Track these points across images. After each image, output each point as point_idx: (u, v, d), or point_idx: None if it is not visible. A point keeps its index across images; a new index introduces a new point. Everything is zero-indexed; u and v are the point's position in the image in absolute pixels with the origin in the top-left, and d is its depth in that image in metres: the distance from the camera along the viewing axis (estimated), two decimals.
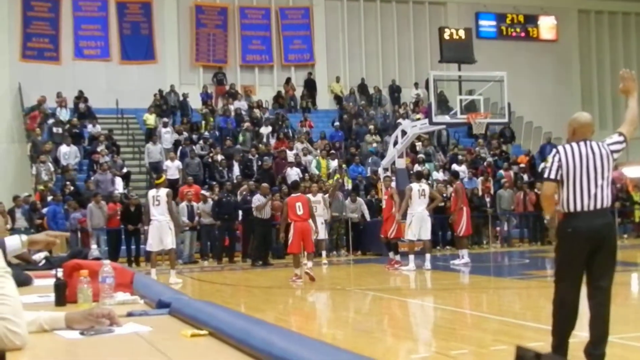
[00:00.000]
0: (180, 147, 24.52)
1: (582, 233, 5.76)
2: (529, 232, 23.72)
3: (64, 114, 25.80)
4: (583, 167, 5.80)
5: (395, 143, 21.06)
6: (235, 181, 22.52)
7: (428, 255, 16.30)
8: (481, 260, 18.22)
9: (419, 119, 24.24)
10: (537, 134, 30.54)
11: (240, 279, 16.47)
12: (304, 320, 10.58)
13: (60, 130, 24.39)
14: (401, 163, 21.04)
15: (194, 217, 20.54)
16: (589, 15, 35.66)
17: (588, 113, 6.30)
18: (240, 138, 26.02)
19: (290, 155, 24.87)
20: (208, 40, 29.96)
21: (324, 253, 19.46)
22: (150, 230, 14.82)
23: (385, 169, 21.32)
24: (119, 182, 22.44)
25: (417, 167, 23.40)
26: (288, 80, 30.35)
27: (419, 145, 26.29)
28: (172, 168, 22.66)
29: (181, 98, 27.95)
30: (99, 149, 23.86)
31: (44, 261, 5.74)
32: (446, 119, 20.35)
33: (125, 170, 23.68)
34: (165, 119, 25.79)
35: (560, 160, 5.87)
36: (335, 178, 23.42)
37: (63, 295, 3.69)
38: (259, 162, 24.31)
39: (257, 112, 27.86)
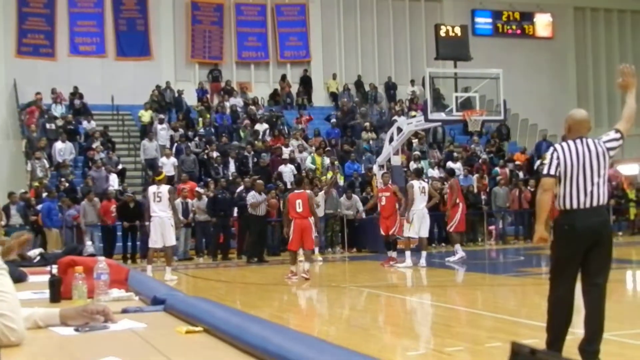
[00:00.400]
0: (176, 144, 24.49)
1: (578, 230, 5.77)
2: (524, 230, 23.74)
3: (59, 110, 25.76)
4: (580, 165, 5.80)
5: (391, 140, 21.06)
6: (230, 178, 22.50)
7: (424, 253, 16.30)
8: (476, 258, 18.22)
9: (414, 116, 24.25)
10: (533, 131, 30.57)
11: (236, 276, 16.46)
12: (299, 317, 10.58)
13: (53, 126, 24.35)
14: (396, 160, 21.04)
15: (188, 214, 20.53)
16: (585, 12, 35.70)
17: (584, 110, 6.28)
18: (242, 134, 26.04)
19: (286, 152, 24.86)
20: (204, 37, 29.93)
21: (316, 250, 19.47)
22: (152, 227, 14.79)
23: (381, 166, 21.33)
24: (113, 179, 22.40)
25: (412, 165, 23.41)
26: (284, 77, 30.33)
27: (415, 142, 26.30)
28: (168, 165, 22.61)
29: (176, 95, 27.92)
30: (94, 146, 23.82)
31: (38, 257, 5.73)
32: (442, 116, 20.36)
33: (120, 166, 23.64)
34: (161, 116, 25.75)
35: (558, 157, 5.87)
36: (329, 175, 23.41)
37: (58, 291, 3.69)
38: (255, 159, 24.29)
39: (252, 108, 27.84)
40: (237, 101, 28.55)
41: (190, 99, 28.25)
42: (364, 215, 21.52)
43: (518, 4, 33.87)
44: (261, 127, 26.59)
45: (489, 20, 33.72)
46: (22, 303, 2.81)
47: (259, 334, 2.47)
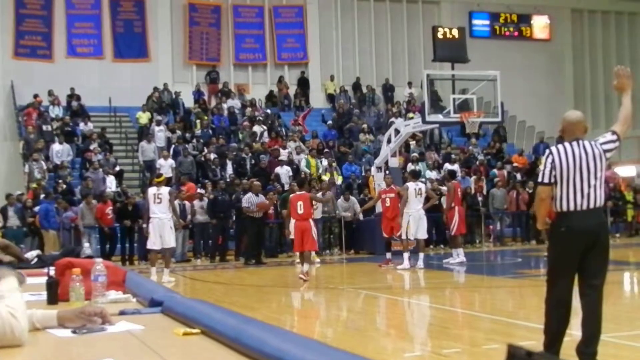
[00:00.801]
0: (173, 146, 24.48)
1: (575, 232, 5.77)
2: (521, 231, 23.76)
3: (56, 112, 25.74)
4: (576, 167, 5.81)
5: (389, 142, 21.07)
6: (228, 180, 22.49)
7: (422, 255, 16.31)
8: (474, 259, 18.23)
9: (412, 118, 24.26)
10: (530, 133, 30.61)
11: (233, 278, 16.46)
12: (296, 319, 10.58)
13: (50, 128, 24.33)
14: (394, 162, 21.05)
15: (186, 216, 20.52)
16: (582, 14, 35.76)
17: (579, 111, 6.28)
18: (240, 136, 26.02)
19: (284, 154, 24.86)
20: (201, 39, 29.93)
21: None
22: (151, 228, 14.78)
23: (378, 168, 21.34)
24: (110, 181, 22.38)
25: (410, 166, 23.41)
26: (281, 79, 30.34)
27: (413, 144, 26.31)
28: (166, 166, 22.59)
29: (174, 96, 27.92)
30: (91, 147, 23.81)
31: (36, 259, 5.72)
32: (439, 118, 20.36)
33: (117, 168, 23.63)
34: (159, 117, 25.75)
35: (553, 161, 5.88)
36: (328, 176, 23.40)
37: (55, 293, 3.68)
38: (252, 161, 24.29)
39: (249, 110, 27.83)
40: (235, 103, 28.55)
41: (188, 100, 28.26)
42: (361, 217, 21.50)
43: (515, 6, 33.92)
44: (259, 128, 26.60)
45: (487, 22, 33.76)
46: None
47: (257, 336, 2.47)
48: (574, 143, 5.90)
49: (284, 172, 23.45)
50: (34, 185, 21.36)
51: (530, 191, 22.35)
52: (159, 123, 25.29)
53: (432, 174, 24.41)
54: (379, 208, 19.03)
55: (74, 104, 26.40)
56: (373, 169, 22.04)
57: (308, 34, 31.18)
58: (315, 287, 13.67)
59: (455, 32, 27.99)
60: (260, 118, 27.29)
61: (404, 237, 16.43)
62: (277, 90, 30.26)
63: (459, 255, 17.26)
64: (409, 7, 32.75)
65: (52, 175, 22.62)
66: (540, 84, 33.54)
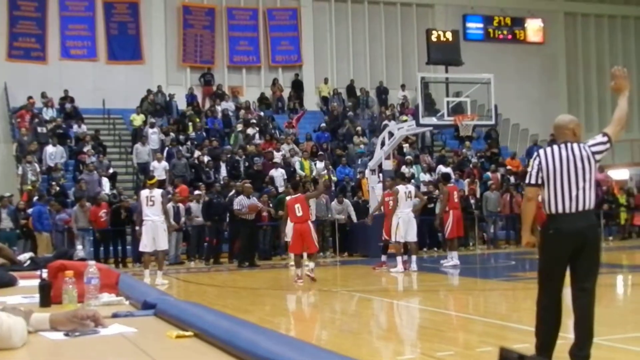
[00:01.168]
0: (167, 148, 24.44)
1: (564, 234, 5.78)
2: (515, 234, 23.77)
3: (49, 114, 25.69)
4: (563, 169, 5.82)
5: (383, 145, 21.08)
6: (222, 182, 22.47)
7: (414, 257, 16.29)
8: (467, 262, 18.24)
9: (405, 121, 24.27)
10: (524, 136, 30.67)
11: (227, 280, 16.44)
12: (290, 322, 10.58)
13: (44, 130, 24.27)
14: (388, 165, 21.06)
15: (180, 218, 20.49)
16: (576, 18, 35.85)
17: (570, 115, 6.28)
18: (232, 139, 25.96)
19: (277, 157, 24.86)
20: (195, 41, 29.90)
21: (291, 255, 19.47)
22: (144, 231, 14.76)
23: (372, 171, 21.36)
24: (104, 183, 22.34)
25: (404, 169, 23.43)
26: (275, 82, 30.34)
27: (406, 147, 26.32)
28: (159, 169, 22.55)
29: (168, 99, 27.88)
30: (85, 150, 23.77)
31: (29, 262, 5.71)
32: (433, 121, 20.39)
33: (111, 170, 23.58)
34: (152, 120, 25.71)
35: (540, 163, 5.90)
36: (323, 179, 23.37)
37: (48, 296, 3.67)
38: (246, 163, 24.28)
39: (243, 112, 27.83)
40: (229, 105, 28.54)
41: (182, 103, 28.23)
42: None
43: (509, 9, 34.00)
44: (252, 131, 26.58)
45: (480, 25, 33.82)
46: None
47: (250, 339, 2.47)
48: (562, 145, 5.92)
49: (278, 174, 23.44)
50: (29, 187, 21.30)
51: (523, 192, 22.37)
52: (152, 125, 25.26)
53: (426, 177, 24.43)
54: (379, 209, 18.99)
55: (68, 106, 26.34)
56: (367, 171, 22.06)
57: (302, 36, 31.19)
58: (309, 289, 13.67)
59: (449, 35, 27.93)
60: (254, 121, 27.27)
61: (393, 239, 16.43)
62: (270, 92, 30.26)
63: (452, 259, 17.26)
64: (403, 10, 32.79)
65: (45, 178, 22.57)
66: (533, 87, 33.63)
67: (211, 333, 2.68)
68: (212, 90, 29.23)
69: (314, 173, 24.08)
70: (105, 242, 20.11)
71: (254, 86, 30.48)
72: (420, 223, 20.69)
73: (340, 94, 30.77)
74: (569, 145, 5.90)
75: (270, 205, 20.90)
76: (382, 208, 17.84)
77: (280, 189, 22.23)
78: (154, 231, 14.66)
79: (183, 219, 20.64)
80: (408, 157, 25.33)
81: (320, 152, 25.64)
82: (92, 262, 3.83)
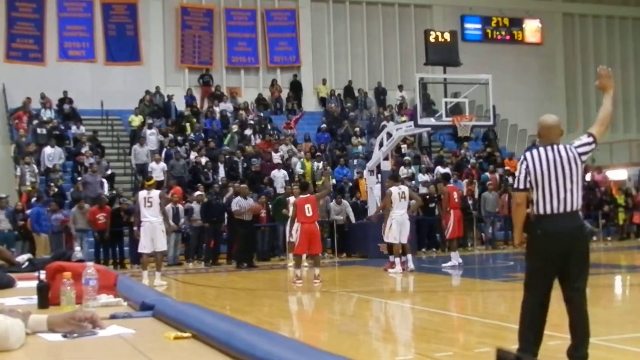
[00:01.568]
0: (165, 149, 24.43)
1: (552, 235, 5.80)
2: (513, 234, 23.75)
3: (47, 115, 25.68)
4: (551, 172, 5.83)
5: (381, 145, 21.09)
6: (220, 183, 22.47)
7: (409, 256, 16.25)
8: (466, 263, 18.23)
9: (404, 121, 24.28)
10: (522, 136, 30.66)
11: (225, 281, 16.43)
12: (288, 323, 10.58)
13: (43, 131, 24.26)
14: (386, 165, 21.07)
15: (179, 219, 20.49)
16: (574, 18, 35.88)
17: (555, 115, 6.28)
18: (227, 140, 25.93)
19: (276, 157, 24.85)
20: (193, 42, 29.90)
21: (291, 255, 19.50)
22: (142, 232, 14.75)
23: (370, 171, 21.36)
24: (104, 184, 22.29)
25: (402, 170, 23.44)
26: (274, 82, 30.35)
27: (404, 147, 26.33)
28: (157, 170, 22.54)
29: (166, 100, 27.87)
30: (83, 151, 23.75)
31: (27, 263, 5.71)
32: (431, 121, 20.40)
33: (109, 171, 23.57)
34: (150, 120, 25.71)
35: (527, 167, 5.92)
36: (322, 180, 23.36)
37: (46, 297, 3.67)
38: (245, 164, 24.27)
39: (242, 113, 27.82)
40: (227, 106, 28.53)
41: (180, 104, 28.21)
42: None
43: (507, 10, 34.01)
44: (248, 131, 26.56)
45: (479, 25, 33.84)
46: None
47: (248, 340, 2.47)
48: (548, 147, 5.94)
49: (280, 175, 23.44)
50: (28, 188, 21.28)
51: None
52: (150, 126, 25.25)
53: (425, 177, 24.44)
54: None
55: (66, 107, 26.34)
56: (365, 172, 22.06)
57: (300, 37, 31.19)
58: (307, 290, 13.67)
59: (447, 36, 27.96)
60: (252, 122, 27.27)
61: (385, 240, 16.41)
62: (268, 93, 30.26)
63: (451, 259, 17.27)
64: (401, 11, 32.80)
65: (44, 179, 22.55)
66: (532, 88, 33.63)
67: (209, 334, 2.68)
68: (210, 91, 29.23)
69: (316, 173, 24.07)
70: (104, 244, 20.08)
71: (252, 87, 30.48)
72: (418, 224, 20.79)
73: (339, 95, 30.77)
74: (555, 147, 5.92)
75: (270, 205, 20.94)
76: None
77: (281, 190, 22.24)
78: (153, 232, 14.64)
79: (182, 220, 20.64)
80: (407, 157, 25.34)
81: (318, 153, 25.63)
82: (90, 264, 3.83)
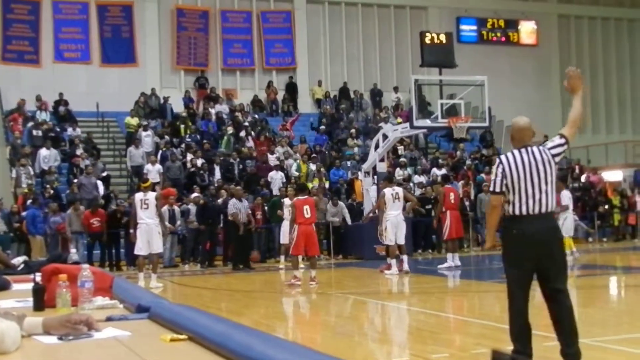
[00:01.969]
0: (161, 151, 24.41)
1: (527, 235, 5.84)
2: None
3: (43, 117, 25.64)
4: (527, 174, 5.88)
5: (377, 147, 21.09)
6: (216, 185, 22.46)
7: (405, 257, 16.25)
8: (462, 264, 18.24)
9: (400, 123, 24.30)
10: None
11: (221, 283, 16.42)
12: (284, 324, 10.57)
13: (39, 133, 24.23)
14: (382, 167, 21.08)
15: (175, 221, 20.48)
16: (569, 20, 35.94)
17: (527, 117, 6.31)
18: (224, 143, 25.87)
19: (272, 159, 24.84)
20: (189, 44, 29.90)
21: (282, 258, 19.52)
22: (139, 234, 14.73)
23: (366, 173, 21.36)
24: (99, 186, 22.26)
25: (398, 171, 23.45)
26: (269, 84, 30.36)
27: (401, 149, 26.34)
28: (153, 172, 22.50)
29: (162, 101, 27.85)
30: (78, 153, 23.72)
31: (22, 265, 5.70)
32: (427, 123, 20.42)
33: (105, 173, 23.53)
34: (145, 122, 25.68)
35: (503, 170, 5.96)
36: (315, 182, 23.37)
37: (42, 299, 3.67)
38: (240, 166, 24.26)
39: (238, 115, 27.82)
40: (223, 108, 28.52)
41: (176, 105, 28.19)
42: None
43: (503, 12, 34.07)
44: (243, 133, 26.55)
45: (474, 27, 33.89)
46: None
47: (243, 342, 2.47)
48: (523, 150, 5.98)
49: (278, 177, 23.43)
50: (24, 190, 21.25)
51: None
52: (146, 128, 25.23)
53: (422, 179, 24.44)
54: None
55: (62, 109, 26.31)
56: (361, 173, 22.06)
57: (296, 39, 31.21)
58: (303, 292, 13.67)
59: (442, 38, 28.07)
60: (247, 123, 27.26)
61: (383, 243, 16.42)
62: (264, 95, 30.27)
63: (447, 260, 17.27)
64: (397, 13, 32.82)
65: (39, 181, 22.52)
66: (527, 89, 33.68)
67: (205, 336, 2.68)
68: (207, 93, 29.22)
69: (309, 175, 24.09)
70: (100, 246, 20.03)
71: (248, 89, 30.49)
72: (414, 225, 20.80)
73: (335, 97, 30.79)
74: (529, 149, 5.98)
75: (266, 207, 20.96)
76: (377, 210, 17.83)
77: (275, 192, 22.23)
78: (149, 234, 14.62)
79: (178, 222, 20.63)
80: (402, 159, 25.35)
81: (314, 155, 25.64)
82: (86, 266, 3.82)
